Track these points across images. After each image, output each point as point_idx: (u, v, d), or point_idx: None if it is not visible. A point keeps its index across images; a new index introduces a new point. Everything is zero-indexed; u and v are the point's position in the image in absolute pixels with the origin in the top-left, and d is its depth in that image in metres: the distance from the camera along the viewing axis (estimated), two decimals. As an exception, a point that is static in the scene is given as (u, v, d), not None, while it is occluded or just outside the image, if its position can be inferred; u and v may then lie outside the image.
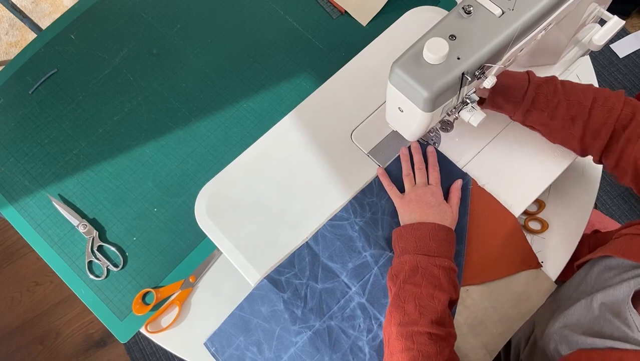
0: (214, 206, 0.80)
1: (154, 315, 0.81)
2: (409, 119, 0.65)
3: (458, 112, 0.68)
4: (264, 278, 0.74)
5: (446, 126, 0.81)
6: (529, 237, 0.80)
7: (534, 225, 0.82)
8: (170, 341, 0.81)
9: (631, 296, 0.56)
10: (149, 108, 0.94)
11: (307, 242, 0.76)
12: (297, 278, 0.74)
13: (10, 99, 0.96)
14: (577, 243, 0.79)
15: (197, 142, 0.91)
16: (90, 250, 0.85)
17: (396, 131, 0.76)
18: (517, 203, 0.75)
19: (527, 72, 0.70)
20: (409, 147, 0.78)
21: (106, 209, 0.88)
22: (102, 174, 0.90)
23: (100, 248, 0.86)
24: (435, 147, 0.78)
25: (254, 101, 0.93)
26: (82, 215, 0.87)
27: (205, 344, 0.76)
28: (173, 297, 0.82)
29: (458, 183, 0.75)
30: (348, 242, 0.75)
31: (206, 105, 0.94)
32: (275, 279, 0.74)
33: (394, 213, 0.75)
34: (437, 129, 0.81)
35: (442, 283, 0.64)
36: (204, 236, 0.81)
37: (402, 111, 0.64)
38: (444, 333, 0.62)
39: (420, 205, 0.71)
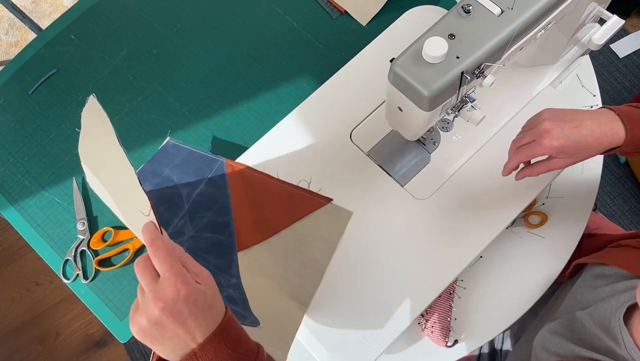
0: (214, 206, 0.80)
1: (107, 252, 0.85)
2: (409, 119, 0.65)
3: (457, 112, 0.68)
4: None
5: (446, 125, 0.81)
6: (528, 235, 0.80)
7: (533, 220, 0.82)
8: (170, 341, 0.81)
9: (624, 311, 0.54)
10: (149, 108, 0.94)
11: None
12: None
13: (10, 99, 0.96)
14: (576, 243, 0.79)
15: (197, 142, 0.91)
16: (75, 249, 0.85)
17: (396, 131, 0.76)
18: (516, 202, 0.75)
19: None
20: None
21: (106, 209, 0.88)
22: (102, 174, 0.90)
23: (82, 253, 0.86)
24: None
25: (254, 101, 0.93)
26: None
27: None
28: (129, 242, 0.85)
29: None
30: None
31: (206, 105, 0.94)
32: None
33: None
34: (436, 129, 0.81)
35: None
36: (203, 235, 0.81)
37: (402, 111, 0.64)
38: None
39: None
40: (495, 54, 0.59)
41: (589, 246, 0.81)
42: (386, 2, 0.96)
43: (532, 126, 0.62)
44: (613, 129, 0.59)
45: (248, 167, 0.81)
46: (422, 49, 0.56)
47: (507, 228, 0.75)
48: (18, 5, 1.51)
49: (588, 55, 0.89)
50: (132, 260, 0.84)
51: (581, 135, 0.59)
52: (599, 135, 0.59)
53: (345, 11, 0.97)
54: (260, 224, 0.78)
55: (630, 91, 1.67)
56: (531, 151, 0.61)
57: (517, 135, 0.65)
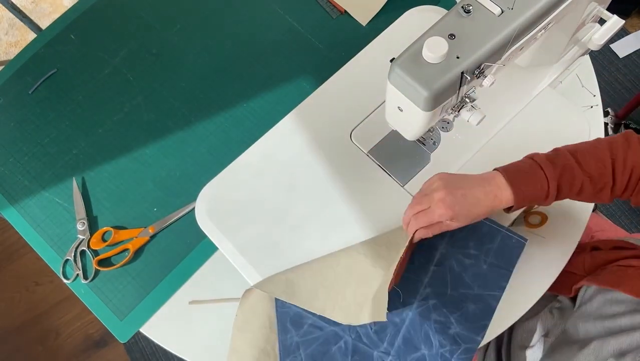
0: (215, 207, 0.80)
1: (107, 252, 0.84)
2: (409, 119, 0.65)
3: (457, 112, 0.68)
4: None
5: (446, 125, 0.81)
6: (528, 235, 0.80)
7: (533, 220, 0.82)
8: (170, 341, 0.81)
9: None
10: (149, 108, 0.94)
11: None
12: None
13: (10, 99, 0.96)
14: (576, 243, 0.79)
15: (197, 142, 0.91)
16: (75, 249, 0.85)
17: (396, 131, 0.76)
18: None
19: (539, 165, 0.63)
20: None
21: (106, 209, 0.88)
22: (102, 174, 0.90)
23: (82, 253, 0.86)
24: None
25: (254, 101, 0.93)
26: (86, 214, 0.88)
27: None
28: (129, 242, 0.84)
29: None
30: None
31: (206, 105, 0.94)
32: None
33: None
34: (436, 129, 0.81)
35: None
36: (203, 236, 0.81)
37: (402, 111, 0.64)
38: None
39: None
40: (495, 54, 0.59)
41: (593, 262, 0.80)
42: (386, 2, 0.96)
43: (427, 192, 0.65)
44: (498, 197, 0.62)
45: None
46: (422, 49, 0.56)
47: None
48: (18, 5, 1.51)
49: (588, 55, 0.89)
50: (132, 260, 0.84)
51: (470, 204, 0.62)
52: (487, 204, 0.62)
53: (345, 11, 0.97)
54: None
55: (630, 91, 1.67)
56: (427, 217, 0.64)
57: (413, 199, 0.67)
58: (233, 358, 0.73)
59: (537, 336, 0.79)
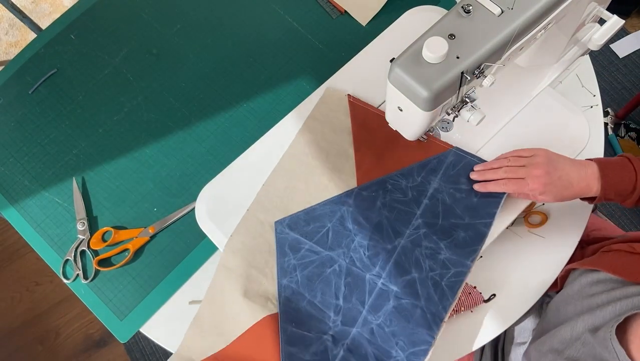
0: (215, 207, 0.80)
1: (107, 252, 0.84)
2: (409, 119, 0.65)
3: (458, 111, 0.68)
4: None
5: (446, 125, 0.81)
6: (528, 235, 0.80)
7: (533, 220, 0.82)
8: (170, 341, 0.81)
9: (620, 321, 0.55)
10: (149, 108, 0.94)
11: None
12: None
13: (10, 99, 0.96)
14: (576, 243, 0.79)
15: (197, 142, 0.91)
16: (75, 249, 0.85)
17: (396, 130, 0.76)
18: (516, 202, 0.75)
19: (630, 160, 0.67)
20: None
21: (106, 209, 0.88)
22: (102, 174, 0.90)
23: (82, 253, 0.86)
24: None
25: (254, 101, 0.93)
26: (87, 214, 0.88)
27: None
28: (129, 242, 0.84)
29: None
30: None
31: (206, 105, 0.94)
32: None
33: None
34: (436, 129, 0.81)
35: None
36: (203, 236, 0.81)
37: (402, 110, 0.64)
38: None
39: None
40: (495, 54, 0.59)
41: (581, 253, 0.81)
42: (386, 2, 0.96)
43: (526, 162, 0.68)
44: (589, 185, 0.66)
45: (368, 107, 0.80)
46: (422, 49, 0.56)
47: (507, 227, 0.75)
48: (18, 5, 1.51)
49: (588, 55, 0.89)
50: (132, 260, 0.84)
51: (563, 186, 0.66)
52: (578, 190, 0.66)
53: (345, 11, 0.97)
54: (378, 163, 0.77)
55: (630, 91, 1.67)
56: (518, 187, 0.68)
57: (510, 156, 0.70)
58: (222, 274, 0.76)
59: (528, 332, 0.80)
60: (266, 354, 0.71)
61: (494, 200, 0.72)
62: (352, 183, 0.77)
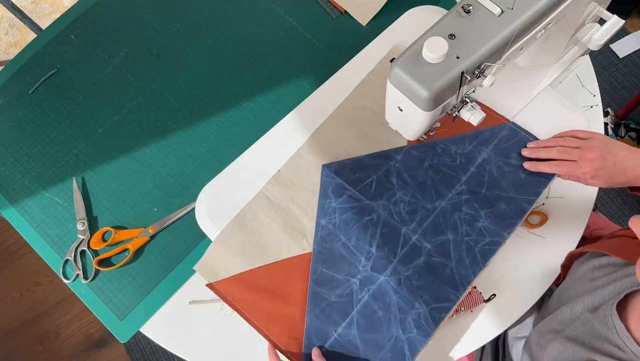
0: (215, 206, 0.80)
1: (107, 252, 0.84)
2: (409, 119, 0.65)
3: (458, 111, 0.68)
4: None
5: (446, 125, 0.81)
6: (528, 235, 0.80)
7: (533, 220, 0.82)
8: (170, 341, 0.81)
9: (620, 298, 0.54)
10: (149, 108, 0.94)
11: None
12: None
13: (10, 99, 0.96)
14: (576, 243, 0.79)
15: (197, 142, 0.91)
16: (75, 249, 0.85)
17: (396, 130, 0.76)
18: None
19: None
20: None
21: (106, 209, 0.88)
22: (102, 174, 0.90)
23: (82, 253, 0.86)
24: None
25: (254, 101, 0.93)
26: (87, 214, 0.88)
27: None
28: (129, 242, 0.84)
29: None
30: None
31: (206, 105, 0.94)
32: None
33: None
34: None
35: None
36: (203, 236, 0.81)
37: (402, 110, 0.64)
38: None
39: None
40: (495, 54, 0.59)
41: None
42: (386, 2, 0.96)
43: (581, 144, 0.68)
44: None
45: None
46: (422, 49, 0.56)
47: (507, 228, 0.75)
48: (18, 5, 1.51)
49: (588, 55, 0.89)
50: (132, 260, 0.84)
51: (616, 172, 0.66)
52: (630, 177, 0.66)
53: (345, 11, 0.97)
54: None
55: (630, 91, 1.67)
56: (570, 169, 0.68)
57: (566, 136, 0.71)
58: (260, 201, 0.79)
59: (529, 327, 0.80)
60: (293, 288, 0.74)
61: (543, 180, 0.74)
62: (403, 142, 0.80)
